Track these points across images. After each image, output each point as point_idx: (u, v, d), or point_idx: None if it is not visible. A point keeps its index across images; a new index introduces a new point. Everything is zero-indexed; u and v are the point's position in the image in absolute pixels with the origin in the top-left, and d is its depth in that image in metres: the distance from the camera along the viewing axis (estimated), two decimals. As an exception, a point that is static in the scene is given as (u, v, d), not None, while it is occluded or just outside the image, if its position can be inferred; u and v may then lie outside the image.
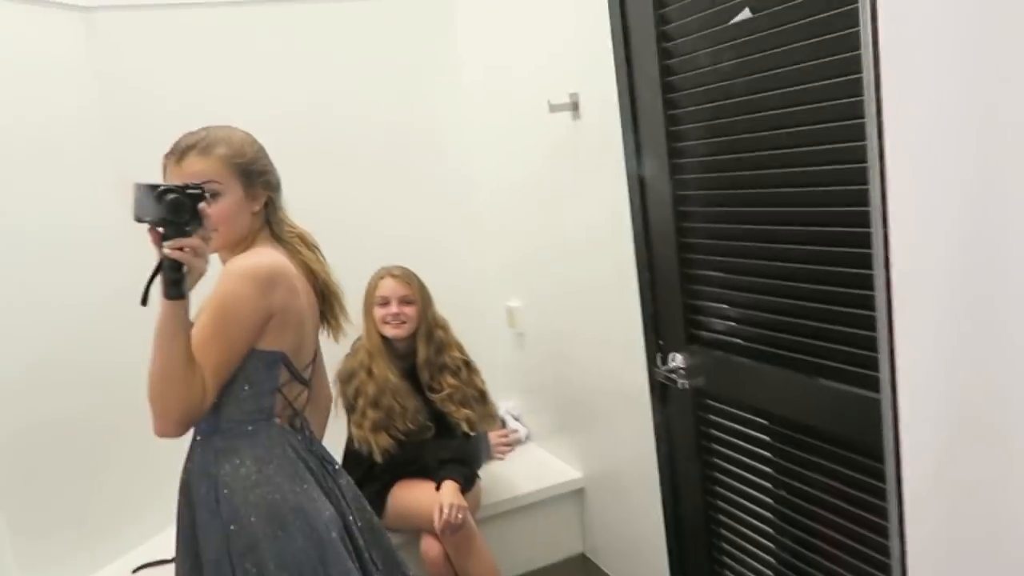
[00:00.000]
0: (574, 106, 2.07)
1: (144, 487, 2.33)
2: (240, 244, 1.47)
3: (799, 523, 1.54)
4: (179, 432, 1.34)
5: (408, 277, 2.23)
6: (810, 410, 1.44)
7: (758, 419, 1.62)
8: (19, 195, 2.08)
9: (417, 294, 2.23)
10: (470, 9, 2.65)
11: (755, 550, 1.69)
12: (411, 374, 2.24)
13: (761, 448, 1.62)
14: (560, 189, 2.25)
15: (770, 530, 1.64)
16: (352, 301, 2.25)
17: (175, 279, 1.28)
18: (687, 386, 1.74)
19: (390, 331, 2.18)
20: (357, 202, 2.63)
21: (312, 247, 1.60)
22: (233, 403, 1.41)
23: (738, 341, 1.62)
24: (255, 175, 1.47)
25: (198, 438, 1.46)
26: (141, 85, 2.38)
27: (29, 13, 2.12)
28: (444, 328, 2.29)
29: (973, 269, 0.77)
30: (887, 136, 0.79)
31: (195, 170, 1.40)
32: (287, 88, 2.55)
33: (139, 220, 1.28)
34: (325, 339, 1.65)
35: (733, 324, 1.63)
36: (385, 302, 2.20)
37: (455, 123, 2.76)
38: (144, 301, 1.31)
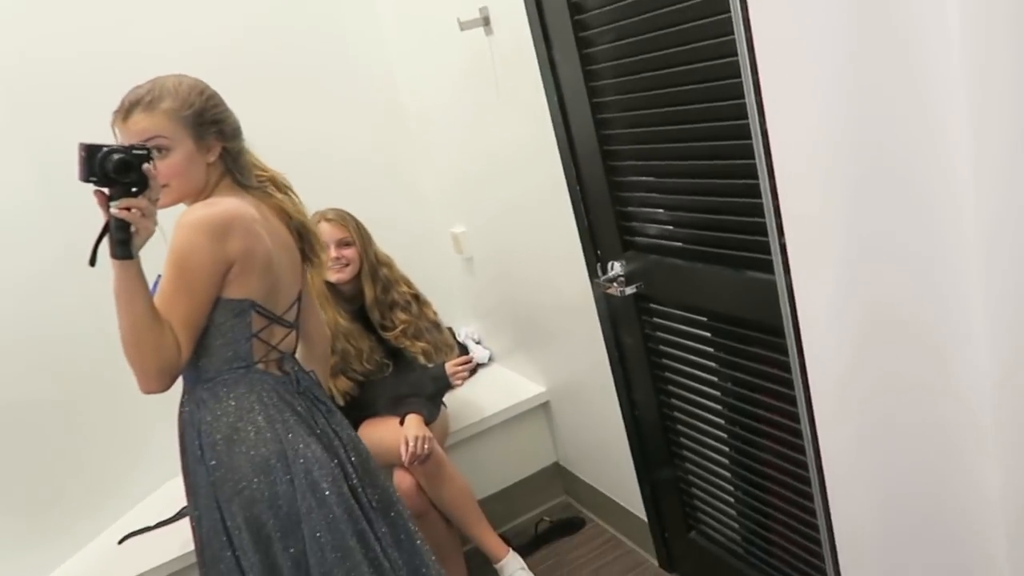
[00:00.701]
0: (485, 21, 2.00)
1: (117, 459, 2.34)
2: (199, 196, 1.44)
3: (744, 410, 1.59)
4: (162, 387, 1.34)
5: (343, 219, 2.19)
6: (742, 302, 1.47)
7: (697, 316, 1.65)
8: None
9: (355, 234, 2.19)
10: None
11: (709, 440, 1.75)
12: (361, 315, 2.23)
13: (703, 344, 1.66)
14: (483, 109, 2.20)
15: (720, 420, 1.69)
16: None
17: (122, 239, 1.26)
18: (627, 292, 1.76)
19: (333, 276, 2.16)
20: (288, 140, 2.53)
21: (284, 188, 1.59)
22: (210, 353, 1.42)
23: (671, 243, 1.63)
24: (206, 126, 1.43)
25: (185, 387, 1.47)
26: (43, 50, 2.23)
27: None
28: (388, 265, 2.27)
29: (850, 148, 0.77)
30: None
31: (141, 127, 1.36)
32: (198, 26, 2.41)
33: (84, 180, 1.25)
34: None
35: (666, 227, 1.64)
36: (323, 247, 2.16)
37: (372, 50, 2.67)
38: (92, 262, 1.30)
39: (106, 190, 1.27)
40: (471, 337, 2.89)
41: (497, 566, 2.09)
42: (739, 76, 1.00)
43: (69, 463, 2.23)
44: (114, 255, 1.27)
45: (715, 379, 1.66)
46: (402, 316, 2.22)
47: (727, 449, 1.70)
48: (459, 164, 2.54)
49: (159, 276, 1.38)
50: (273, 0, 2.52)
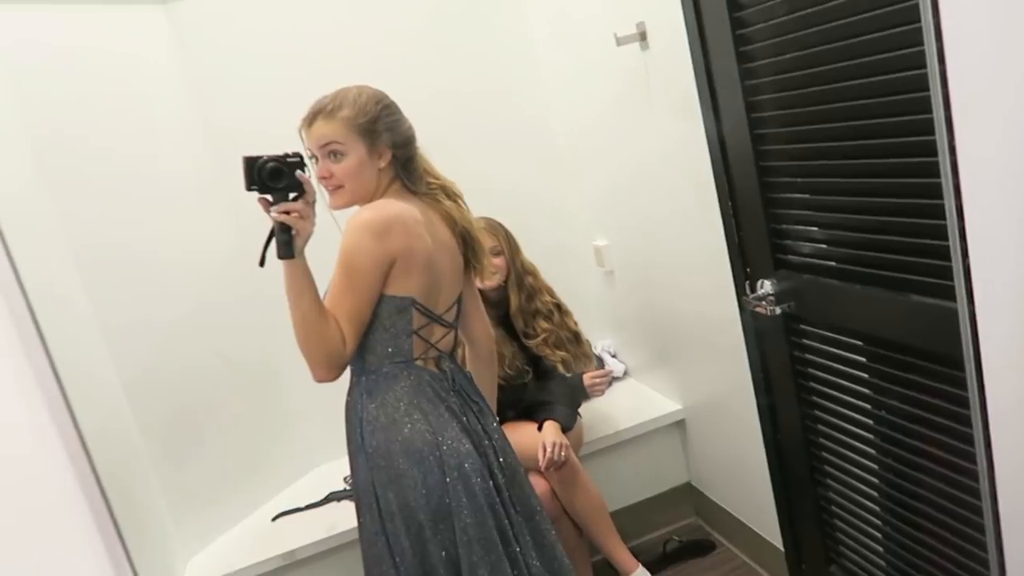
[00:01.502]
0: (641, 36, 2.02)
1: (270, 442, 2.52)
2: (371, 198, 1.56)
3: (900, 441, 1.51)
4: (331, 376, 1.46)
5: (493, 228, 2.26)
6: (903, 327, 1.40)
7: (852, 340, 1.59)
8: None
9: (504, 243, 2.26)
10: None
11: (856, 470, 1.68)
12: (504, 321, 2.30)
13: (857, 369, 1.60)
14: (634, 122, 2.22)
15: (871, 450, 1.62)
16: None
17: (285, 240, 1.39)
18: (777, 312, 1.72)
19: (479, 282, 2.23)
20: (443, 152, 2.66)
21: (454, 196, 1.69)
22: (373, 347, 1.52)
23: (827, 263, 1.58)
24: (378, 133, 1.54)
25: (352, 378, 1.60)
26: (230, 68, 2.46)
27: (111, 13, 2.21)
28: (533, 274, 2.33)
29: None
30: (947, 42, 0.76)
31: (321, 133, 1.50)
32: (362, 52, 2.57)
33: (248, 189, 1.39)
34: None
35: (821, 246, 1.59)
36: None
37: (525, 69, 2.74)
38: (261, 263, 1.44)
39: (269, 197, 1.40)
40: (607, 350, 2.90)
41: (626, 580, 2.09)
42: (919, 90, 0.97)
43: (237, 434, 2.41)
44: (279, 255, 1.40)
45: (868, 406, 1.59)
46: (544, 324, 2.27)
47: (877, 480, 1.62)
48: (605, 178, 2.56)
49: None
50: (427, 19, 2.65)
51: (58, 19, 2.06)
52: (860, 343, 1.57)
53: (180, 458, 2.26)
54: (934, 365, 1.36)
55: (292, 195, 1.39)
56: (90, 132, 2.09)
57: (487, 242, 2.24)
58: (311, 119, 1.51)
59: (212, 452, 2.33)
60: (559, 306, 2.34)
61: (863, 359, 1.57)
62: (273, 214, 1.39)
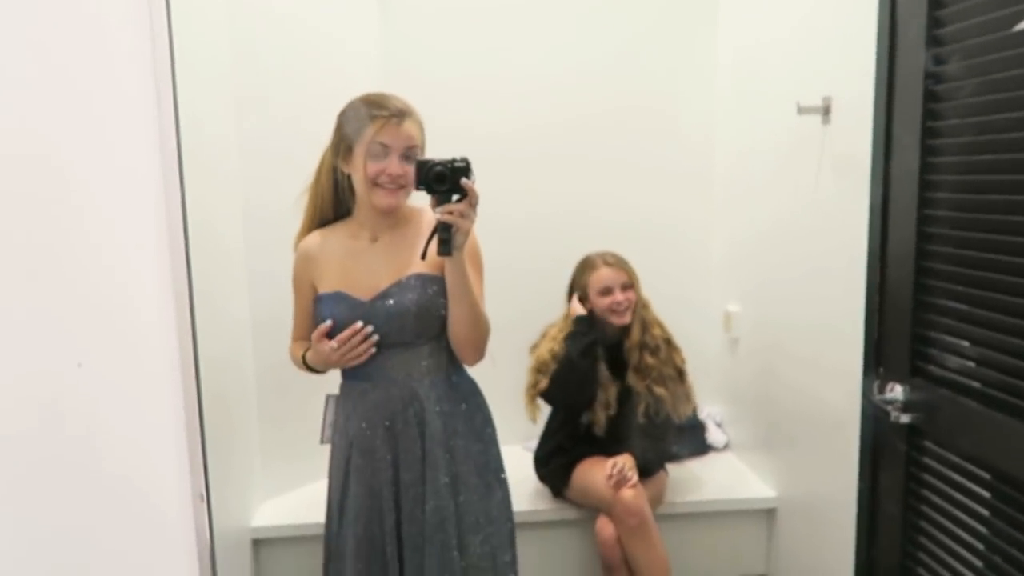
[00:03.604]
0: (825, 110, 1.97)
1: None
2: None
3: (1010, 594, 1.37)
4: (482, 358, 1.65)
5: (621, 263, 2.26)
6: (1041, 471, 1.27)
7: (979, 471, 1.45)
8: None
9: (632, 278, 2.25)
10: (732, 2, 2.59)
11: (953, 614, 1.53)
12: (612, 357, 2.28)
13: (977, 504, 1.46)
14: (797, 194, 2.15)
15: (974, 596, 1.47)
16: (561, 285, 2.35)
17: (444, 239, 1.49)
18: (902, 420, 1.60)
19: (617, 319, 2.23)
20: (591, 184, 2.70)
21: None
22: None
23: (971, 382, 1.46)
24: None
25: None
26: (425, 64, 2.61)
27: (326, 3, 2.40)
28: (646, 306, 2.30)
29: None
30: None
31: (411, 134, 1.58)
32: (542, 67, 2.67)
33: (416, 189, 1.52)
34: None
35: (968, 363, 1.47)
36: (608, 291, 2.24)
37: (701, 114, 2.73)
38: (423, 256, 1.56)
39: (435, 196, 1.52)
40: (713, 418, 2.80)
41: (671, 650, 2.00)
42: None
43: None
44: (438, 252, 1.50)
45: (981, 546, 1.45)
46: (650, 360, 2.22)
47: (973, 631, 1.47)
48: (753, 244, 2.50)
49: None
50: (620, 49, 2.69)
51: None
52: (988, 476, 1.43)
53: (284, 408, 2.37)
54: (1067, 520, 1.22)
55: (456, 197, 1.48)
56: (288, 96, 2.27)
57: (620, 277, 2.24)
58: (402, 116, 1.57)
59: (314, 410, 2.43)
60: (668, 341, 2.29)
61: (987, 494, 1.44)
62: (436, 214, 1.48)
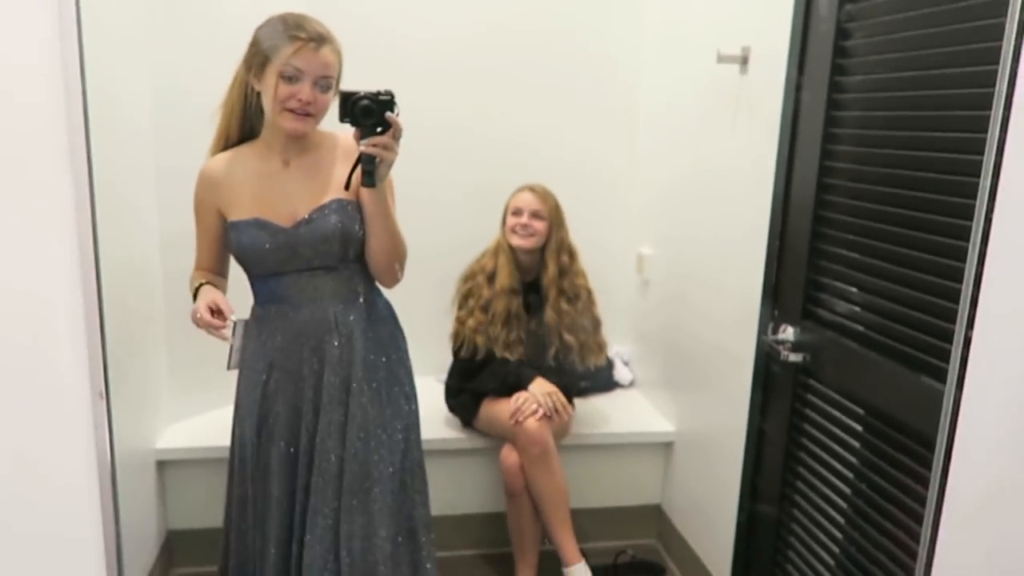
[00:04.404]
0: (743, 60, 2.01)
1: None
2: None
3: (871, 518, 1.50)
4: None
5: (545, 195, 2.29)
6: (907, 406, 1.39)
7: (854, 407, 1.58)
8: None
9: (551, 213, 2.28)
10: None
11: (822, 536, 1.67)
12: (528, 291, 2.32)
13: (851, 436, 1.59)
14: (713, 142, 2.21)
15: (841, 520, 1.61)
16: (496, 214, 2.37)
17: (368, 170, 1.50)
18: (791, 359, 1.71)
19: (516, 240, 2.26)
20: (518, 121, 2.69)
21: None
22: None
23: (855, 326, 1.57)
24: None
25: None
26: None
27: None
28: (572, 255, 2.34)
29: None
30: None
31: (327, 62, 1.53)
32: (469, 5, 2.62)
33: (341, 121, 1.50)
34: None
35: (854, 308, 1.58)
36: (517, 212, 2.28)
37: (628, 54, 2.74)
38: (346, 187, 1.58)
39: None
40: (620, 356, 2.90)
41: (566, 570, 2.11)
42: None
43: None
44: (362, 183, 1.52)
45: (851, 475, 1.58)
46: (566, 307, 2.28)
47: (838, 551, 1.62)
48: (668, 186, 2.56)
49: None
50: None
51: None
52: (861, 412, 1.56)
53: (193, 331, 2.31)
54: (925, 451, 1.34)
55: (379, 129, 1.48)
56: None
57: (534, 204, 2.26)
58: (321, 41, 1.51)
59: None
60: (590, 292, 2.35)
61: (859, 428, 1.56)
62: (361, 147, 1.48)
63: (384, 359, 1.68)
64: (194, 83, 1.85)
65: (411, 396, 1.74)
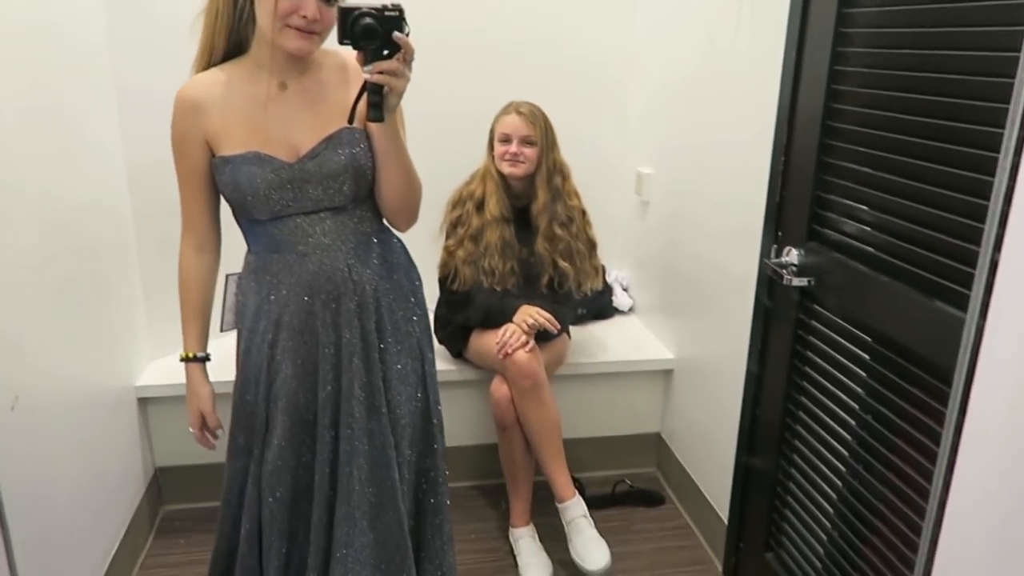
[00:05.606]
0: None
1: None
2: None
3: (874, 449, 1.41)
4: None
5: (534, 117, 2.12)
6: (918, 333, 1.28)
7: (861, 334, 1.47)
8: None
9: (540, 136, 2.13)
10: None
11: (822, 466, 1.59)
12: (519, 219, 2.20)
13: (856, 364, 1.48)
14: (714, 48, 2.04)
15: (843, 451, 1.52)
16: (483, 132, 2.21)
17: (375, 102, 1.26)
18: (795, 283, 1.60)
19: (506, 168, 2.13)
20: (509, 38, 2.51)
21: None
22: None
23: (864, 247, 1.44)
24: None
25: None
26: None
27: None
28: (564, 175, 2.20)
29: None
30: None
31: None
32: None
33: (340, 43, 1.24)
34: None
35: (865, 227, 1.45)
36: (506, 139, 2.12)
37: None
38: (350, 121, 1.33)
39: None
40: (620, 282, 2.80)
41: (560, 506, 2.05)
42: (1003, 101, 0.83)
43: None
44: (368, 118, 1.28)
45: (855, 405, 1.49)
46: (559, 232, 2.16)
47: (839, 482, 1.54)
48: (670, 99, 2.39)
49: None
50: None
51: None
52: (868, 339, 1.45)
53: (170, 264, 2.21)
54: (935, 380, 1.24)
55: (386, 52, 1.23)
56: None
57: (523, 130, 2.11)
58: None
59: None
60: (584, 212, 2.22)
61: (866, 356, 1.46)
62: (365, 74, 1.24)
63: (402, 312, 1.50)
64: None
65: (428, 344, 1.58)
